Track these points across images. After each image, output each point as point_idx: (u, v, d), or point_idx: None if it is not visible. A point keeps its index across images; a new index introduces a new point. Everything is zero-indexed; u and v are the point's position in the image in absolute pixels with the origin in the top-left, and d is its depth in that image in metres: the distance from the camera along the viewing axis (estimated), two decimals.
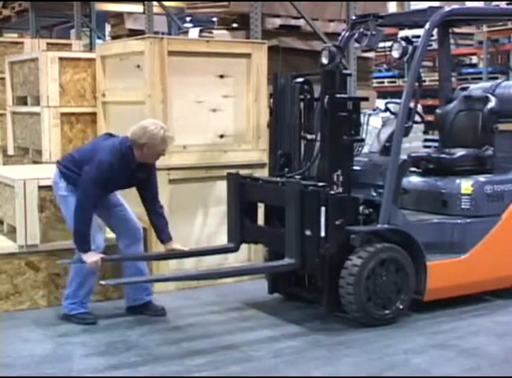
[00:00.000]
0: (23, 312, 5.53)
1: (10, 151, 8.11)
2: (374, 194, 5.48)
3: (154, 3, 11.18)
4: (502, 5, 12.62)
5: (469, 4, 12.64)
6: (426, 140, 10.71)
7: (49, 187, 5.61)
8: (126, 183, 5.22)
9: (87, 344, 4.86)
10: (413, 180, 6.03)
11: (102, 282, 4.95)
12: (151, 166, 5.26)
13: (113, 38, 12.23)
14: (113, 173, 5.00)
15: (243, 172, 5.85)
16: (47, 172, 5.90)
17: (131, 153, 5.03)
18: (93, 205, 5.04)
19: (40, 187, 5.64)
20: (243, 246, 5.90)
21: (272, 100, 5.74)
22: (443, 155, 6.03)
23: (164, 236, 5.35)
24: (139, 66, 6.21)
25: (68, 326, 5.16)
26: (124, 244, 5.38)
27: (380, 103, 6.47)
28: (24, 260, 5.60)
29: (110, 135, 5.34)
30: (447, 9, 5.51)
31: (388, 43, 5.56)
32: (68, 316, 5.28)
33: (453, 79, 8.10)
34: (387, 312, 5.21)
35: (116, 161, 5.00)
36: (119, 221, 5.38)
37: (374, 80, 13.02)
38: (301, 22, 8.41)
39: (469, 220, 5.66)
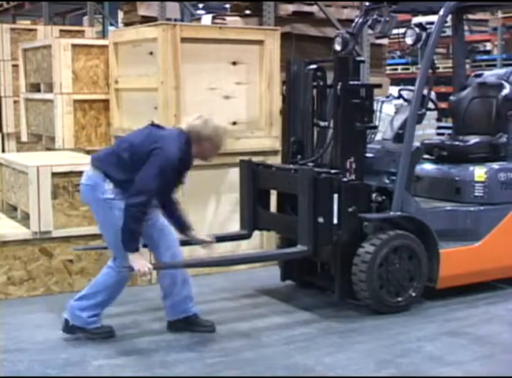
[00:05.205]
0: (36, 298, 5.57)
1: (24, 138, 8.14)
2: (387, 181, 5.48)
3: None
4: None
5: None
6: (439, 127, 10.69)
7: (62, 174, 5.64)
8: (177, 183, 4.68)
9: None
10: (427, 168, 6.01)
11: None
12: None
13: (126, 25, 12.19)
14: (178, 169, 4.48)
15: (255, 159, 5.84)
16: (60, 159, 5.92)
17: (190, 150, 4.55)
18: (151, 200, 4.45)
19: (53, 174, 5.66)
20: (256, 233, 5.91)
21: (285, 87, 5.73)
22: (457, 142, 6.01)
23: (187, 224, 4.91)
24: (151, 53, 6.21)
25: None
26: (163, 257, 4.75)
27: (394, 90, 6.45)
28: (37, 246, 5.63)
29: (157, 126, 4.68)
30: None
31: (402, 30, 5.52)
32: (84, 330, 4.68)
33: (467, 66, 8.05)
34: (399, 299, 5.21)
35: (181, 157, 4.45)
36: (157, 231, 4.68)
37: (387, 67, 12.98)
38: (314, 8, 8.38)
39: (482, 208, 5.64)
